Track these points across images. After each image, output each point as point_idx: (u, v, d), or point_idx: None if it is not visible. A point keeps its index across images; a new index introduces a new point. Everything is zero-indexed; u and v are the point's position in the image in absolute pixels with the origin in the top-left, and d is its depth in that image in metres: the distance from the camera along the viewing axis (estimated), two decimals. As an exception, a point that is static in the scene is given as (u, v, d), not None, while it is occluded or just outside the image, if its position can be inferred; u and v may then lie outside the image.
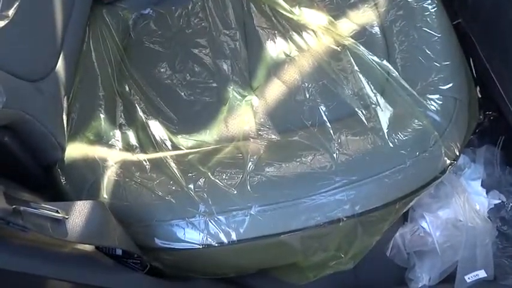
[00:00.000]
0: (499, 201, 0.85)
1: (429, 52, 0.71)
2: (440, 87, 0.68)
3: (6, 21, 0.54)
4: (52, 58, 0.66)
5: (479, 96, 0.89)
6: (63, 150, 0.66)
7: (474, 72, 0.87)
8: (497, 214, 0.86)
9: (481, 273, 0.81)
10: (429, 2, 0.76)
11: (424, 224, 0.81)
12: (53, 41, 0.67)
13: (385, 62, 0.71)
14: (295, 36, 0.79)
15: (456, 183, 0.80)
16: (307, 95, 0.72)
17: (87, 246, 0.52)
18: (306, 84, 0.73)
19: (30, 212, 0.43)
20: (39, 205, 0.45)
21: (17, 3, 0.56)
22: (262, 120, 0.71)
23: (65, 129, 0.67)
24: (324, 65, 0.74)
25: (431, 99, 0.67)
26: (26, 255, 0.44)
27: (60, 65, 0.68)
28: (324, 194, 0.60)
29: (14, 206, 0.42)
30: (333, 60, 0.74)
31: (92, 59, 0.79)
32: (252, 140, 0.68)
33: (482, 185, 0.84)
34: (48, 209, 0.46)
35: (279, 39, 0.80)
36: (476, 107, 0.80)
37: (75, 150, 0.68)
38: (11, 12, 0.55)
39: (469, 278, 0.81)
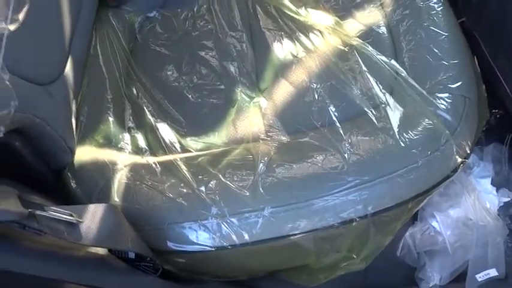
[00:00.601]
0: (509, 199, 0.85)
1: (437, 51, 0.71)
2: (450, 85, 0.68)
3: (17, 25, 0.54)
4: (61, 61, 0.66)
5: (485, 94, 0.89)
6: (73, 153, 0.66)
7: (479, 70, 0.87)
8: (506, 212, 0.86)
9: (492, 272, 0.81)
10: (435, 1, 0.76)
11: (434, 223, 0.80)
12: (62, 45, 0.67)
13: (393, 62, 0.71)
14: (302, 37, 0.79)
15: (466, 182, 0.80)
16: (316, 96, 0.72)
17: (100, 249, 0.52)
18: (314, 85, 0.73)
19: (44, 215, 0.43)
20: (53, 208, 0.45)
21: (27, 7, 0.56)
22: (271, 121, 0.71)
23: (74, 132, 0.67)
24: (332, 66, 0.74)
25: (441, 98, 0.67)
26: (41, 259, 0.44)
27: (68, 69, 0.67)
28: (337, 194, 0.60)
29: (29, 210, 0.41)
30: (341, 60, 0.74)
31: (99, 63, 0.79)
32: (261, 141, 0.68)
33: (491, 183, 0.84)
34: (62, 213, 0.45)
35: (286, 41, 0.80)
36: (486, 104, 0.80)
37: (84, 153, 0.68)
38: (21, 16, 0.55)
39: (480, 277, 0.81)
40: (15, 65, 0.52)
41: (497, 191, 0.85)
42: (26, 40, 0.56)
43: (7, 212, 0.39)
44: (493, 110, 0.91)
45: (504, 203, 0.85)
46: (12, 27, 0.53)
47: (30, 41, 0.57)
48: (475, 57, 0.86)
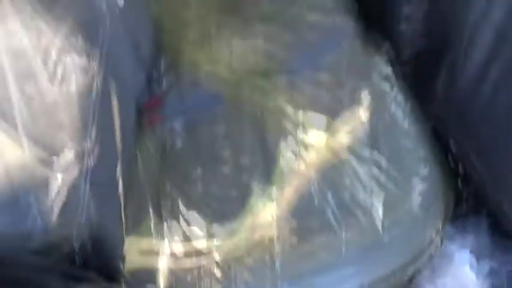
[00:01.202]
0: (489, 268, 0.94)
1: (408, 146, 0.89)
2: (422, 175, 0.86)
3: (92, 143, 0.69)
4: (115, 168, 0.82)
5: (461, 172, 1.02)
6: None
7: (451, 155, 1.02)
8: (489, 282, 0.95)
9: None
10: (402, 109, 0.94)
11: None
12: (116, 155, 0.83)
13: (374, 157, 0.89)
14: (304, 136, 0.97)
15: (447, 253, 0.92)
16: (316, 198, 0.87)
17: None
18: (315, 186, 0.89)
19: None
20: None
21: (96, 125, 0.71)
22: (282, 212, 0.87)
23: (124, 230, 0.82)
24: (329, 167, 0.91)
25: (416, 187, 0.84)
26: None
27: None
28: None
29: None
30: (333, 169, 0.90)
31: (137, 168, 0.97)
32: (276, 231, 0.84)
33: (471, 254, 0.96)
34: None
35: (290, 142, 0.98)
36: (457, 183, 0.95)
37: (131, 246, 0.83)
38: (93, 134, 0.70)
39: None
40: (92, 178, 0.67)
41: (477, 261, 0.96)
42: (97, 155, 0.71)
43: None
44: (467, 186, 1.05)
45: (486, 272, 0.96)
46: (89, 144, 0.69)
47: (99, 155, 0.72)
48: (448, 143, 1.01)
